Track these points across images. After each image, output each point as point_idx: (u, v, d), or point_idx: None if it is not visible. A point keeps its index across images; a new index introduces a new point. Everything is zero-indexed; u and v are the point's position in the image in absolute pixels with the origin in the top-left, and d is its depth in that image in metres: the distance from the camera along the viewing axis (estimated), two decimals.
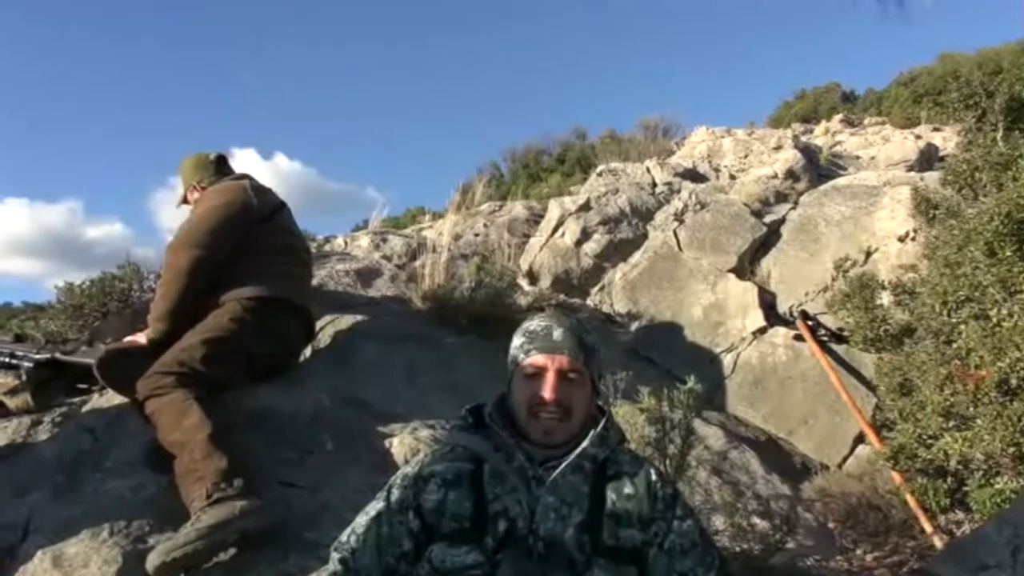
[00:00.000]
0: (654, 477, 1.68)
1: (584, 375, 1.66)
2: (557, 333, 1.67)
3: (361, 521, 1.65)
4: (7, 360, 3.23)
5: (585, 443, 1.62)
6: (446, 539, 1.57)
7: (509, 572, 1.52)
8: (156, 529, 2.45)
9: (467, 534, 1.56)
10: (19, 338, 3.44)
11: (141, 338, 3.05)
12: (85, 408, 3.15)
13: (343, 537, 1.66)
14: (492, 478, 1.61)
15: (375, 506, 1.66)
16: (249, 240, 3.18)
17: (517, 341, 1.72)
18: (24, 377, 3.15)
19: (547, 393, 1.62)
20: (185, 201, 3.56)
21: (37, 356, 3.22)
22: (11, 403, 3.08)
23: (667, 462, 2.75)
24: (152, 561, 2.24)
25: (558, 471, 1.58)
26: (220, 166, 3.53)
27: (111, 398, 3.10)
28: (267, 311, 3.08)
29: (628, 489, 1.63)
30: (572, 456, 1.60)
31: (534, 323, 1.72)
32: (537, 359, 1.64)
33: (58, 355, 3.24)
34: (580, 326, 1.74)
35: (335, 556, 1.64)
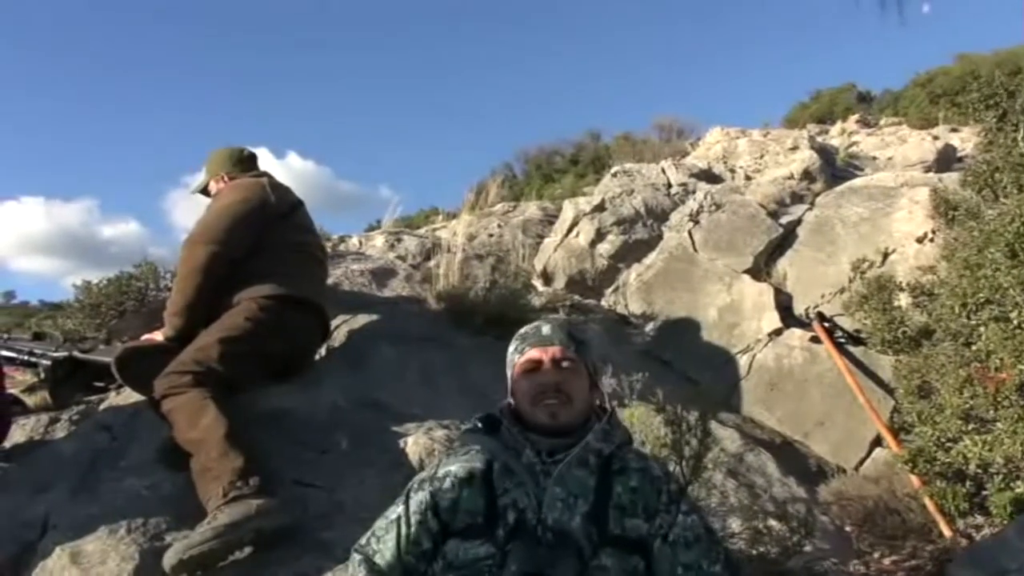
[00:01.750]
0: (659, 473, 1.75)
1: (577, 363, 1.77)
2: (546, 329, 1.82)
3: (381, 524, 1.72)
4: (25, 358, 3.26)
5: (589, 437, 1.69)
6: (460, 535, 1.63)
7: (519, 560, 1.57)
8: (173, 527, 2.47)
9: (480, 528, 1.62)
10: (37, 336, 3.47)
11: (158, 336, 3.06)
12: (102, 406, 3.17)
13: (363, 540, 1.72)
14: (502, 474, 1.67)
15: (395, 510, 1.72)
16: (266, 238, 3.18)
17: (512, 346, 1.85)
18: (42, 375, 3.18)
19: (546, 378, 1.72)
20: (205, 190, 3.55)
21: (55, 354, 3.25)
22: (30, 401, 3.11)
23: (683, 464, 2.73)
24: (169, 559, 2.26)
25: (563, 463, 1.65)
26: (249, 163, 3.53)
27: (128, 396, 3.12)
28: (283, 310, 3.08)
29: (633, 483, 1.69)
30: (576, 448, 1.67)
31: (525, 328, 1.86)
32: (531, 353, 1.77)
33: (76, 353, 3.26)
34: (569, 322, 1.82)
35: (356, 557, 1.69)
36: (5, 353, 3.25)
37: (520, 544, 1.59)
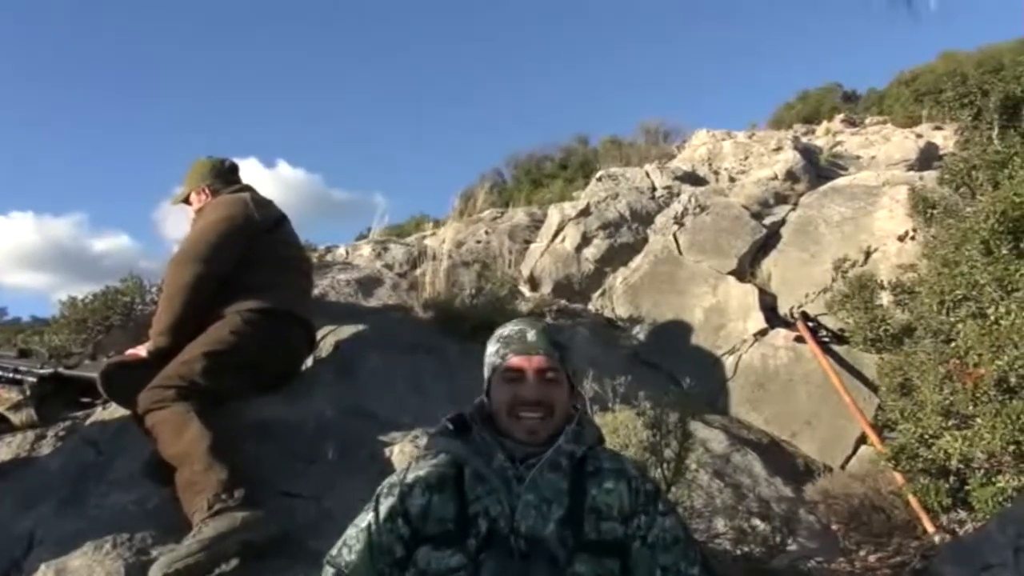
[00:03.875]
0: (634, 473, 1.72)
1: (560, 373, 1.71)
2: (531, 335, 1.72)
3: (352, 533, 1.68)
4: (11, 375, 3.26)
5: (560, 439, 1.66)
6: (431, 542, 1.60)
7: (492, 572, 1.55)
8: (159, 541, 2.48)
9: (451, 536, 1.59)
10: (23, 353, 3.47)
11: (142, 351, 3.07)
12: (88, 421, 3.18)
13: (334, 551, 1.68)
14: (473, 480, 1.64)
15: (364, 518, 1.68)
16: (250, 253, 3.20)
17: (492, 347, 1.76)
18: (28, 392, 3.18)
19: (529, 393, 1.66)
20: (186, 201, 3.55)
21: (41, 371, 3.25)
22: (15, 418, 3.11)
23: (664, 466, 2.75)
24: (155, 573, 2.27)
25: (535, 469, 1.62)
26: (230, 175, 3.54)
27: (114, 411, 3.13)
28: (268, 323, 3.10)
29: (608, 484, 1.66)
30: (549, 452, 1.64)
31: (507, 329, 1.78)
32: (515, 361, 1.69)
33: (61, 369, 3.27)
34: (550, 327, 1.80)
35: (329, 571, 1.66)
36: None
37: (493, 555, 1.56)
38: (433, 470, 1.67)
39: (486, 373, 1.77)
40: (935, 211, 4.38)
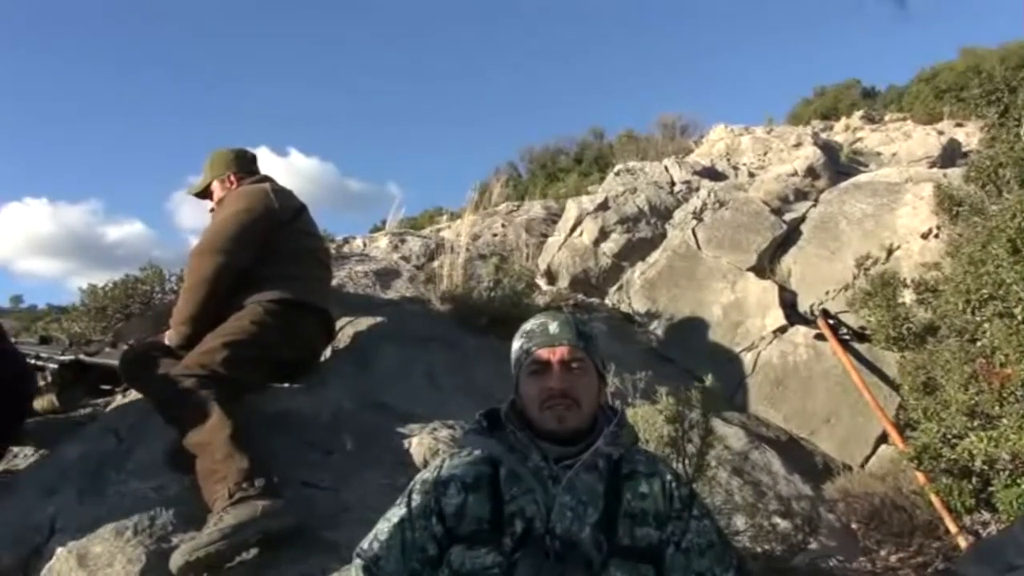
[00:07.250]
0: (669, 477, 1.69)
1: (587, 362, 1.68)
2: (553, 327, 1.70)
3: (384, 528, 1.65)
4: (33, 362, 3.28)
5: (599, 441, 1.62)
6: (465, 541, 1.58)
7: (526, 572, 1.53)
8: (179, 529, 2.48)
9: (486, 536, 1.57)
10: (44, 340, 3.50)
11: (163, 340, 3.08)
12: (109, 409, 3.19)
13: (365, 544, 1.66)
14: (508, 479, 1.61)
15: (397, 512, 1.66)
16: (271, 244, 3.20)
17: (517, 343, 1.74)
18: (49, 379, 3.20)
19: (554, 383, 1.63)
20: (207, 192, 3.55)
21: (62, 358, 3.27)
22: (37, 405, 3.13)
23: (686, 462, 2.73)
24: (175, 561, 2.27)
25: (573, 470, 1.59)
26: (250, 165, 3.54)
27: (134, 399, 3.13)
28: (288, 314, 3.10)
29: (643, 488, 1.64)
30: (587, 454, 1.61)
31: (530, 323, 1.76)
32: (539, 354, 1.67)
33: (82, 356, 3.28)
34: (575, 318, 1.77)
35: (358, 563, 1.64)
36: None
37: (528, 555, 1.54)
38: (469, 468, 1.64)
39: (513, 370, 1.75)
40: (960, 209, 4.31)
